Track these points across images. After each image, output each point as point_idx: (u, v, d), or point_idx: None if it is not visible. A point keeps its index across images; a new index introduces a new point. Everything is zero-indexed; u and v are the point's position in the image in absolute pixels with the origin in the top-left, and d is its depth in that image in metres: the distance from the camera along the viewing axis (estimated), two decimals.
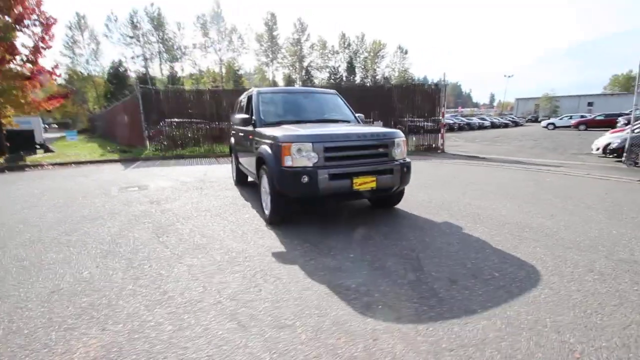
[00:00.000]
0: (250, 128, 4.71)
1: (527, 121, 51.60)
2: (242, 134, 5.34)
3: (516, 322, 1.96)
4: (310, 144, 3.48)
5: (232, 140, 6.51)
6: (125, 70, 47.12)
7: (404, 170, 3.87)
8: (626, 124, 21.49)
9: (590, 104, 58.08)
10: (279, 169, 3.56)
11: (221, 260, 2.91)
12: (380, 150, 3.81)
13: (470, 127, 32.89)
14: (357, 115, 5.12)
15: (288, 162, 3.51)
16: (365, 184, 3.60)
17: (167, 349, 1.77)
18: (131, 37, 48.83)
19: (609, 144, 12.17)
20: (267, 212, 4.02)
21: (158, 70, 52.22)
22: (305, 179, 3.42)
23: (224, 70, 52.99)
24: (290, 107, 4.96)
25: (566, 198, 5.08)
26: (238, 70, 53.50)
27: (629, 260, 2.78)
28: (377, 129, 4.09)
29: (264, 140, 4.07)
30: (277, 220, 3.88)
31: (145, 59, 50.54)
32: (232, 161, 6.81)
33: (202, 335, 1.88)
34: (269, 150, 3.77)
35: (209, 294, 2.33)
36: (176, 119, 14.03)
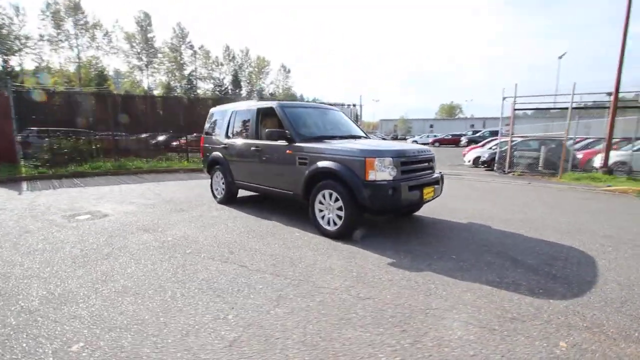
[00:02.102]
0: (282, 143, 4.50)
1: (391, 139, 61.70)
2: (257, 149, 4.95)
3: None
4: (391, 159, 3.70)
5: (217, 155, 5.86)
6: None
7: (443, 181, 4.51)
8: (468, 142, 29.00)
9: (431, 126, 74.30)
10: (362, 183, 3.63)
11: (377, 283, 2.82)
12: (430, 164, 4.35)
13: None
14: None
15: (372, 176, 3.63)
16: (429, 194, 4.05)
17: None
18: None
19: (479, 157, 16.16)
20: (329, 227, 3.97)
21: None
22: (391, 191, 3.62)
23: (82, 70, 43.96)
24: (315, 123, 4.96)
25: (507, 197, 6.73)
26: (103, 72, 45.38)
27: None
28: (420, 146, 4.63)
29: (322, 155, 4.02)
30: (348, 233, 3.88)
31: None
32: (215, 178, 6.09)
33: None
34: (345, 165, 3.77)
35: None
36: (64, 128, 11.25)
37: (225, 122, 5.78)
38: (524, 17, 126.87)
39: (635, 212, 5.69)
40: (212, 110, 6.51)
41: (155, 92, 52.82)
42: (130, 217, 4.98)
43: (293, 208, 5.63)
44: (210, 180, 6.31)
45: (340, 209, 3.85)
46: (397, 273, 2.97)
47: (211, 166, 6.14)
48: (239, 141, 5.41)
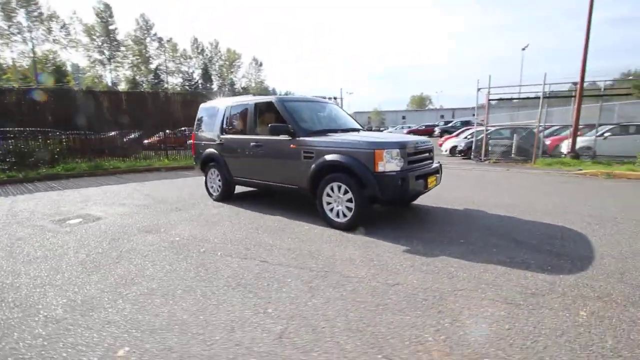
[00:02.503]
0: (285, 137, 4.49)
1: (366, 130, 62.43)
2: (257, 144, 4.90)
3: None
4: (398, 150, 3.81)
5: (212, 152, 5.74)
6: None
7: (442, 170, 4.70)
8: (442, 132, 30.04)
9: (404, 117, 76.04)
10: (372, 174, 3.72)
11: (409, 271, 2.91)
12: (430, 154, 4.52)
13: None
14: None
15: (381, 167, 3.73)
16: (432, 182, 4.22)
17: None
18: None
19: (456, 146, 16.81)
20: (339, 219, 4.04)
21: None
22: (400, 181, 3.74)
23: (38, 65, 40.81)
24: (315, 117, 4.98)
25: (491, 184, 7.11)
26: (62, 67, 42.42)
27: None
28: (420, 137, 4.78)
29: (329, 149, 4.07)
30: (358, 224, 3.96)
31: None
32: (210, 176, 5.96)
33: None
34: (354, 157, 3.84)
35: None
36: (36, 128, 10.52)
37: (220, 118, 5.66)
38: (489, 11, 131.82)
39: (609, 193, 6.20)
40: (202, 106, 6.34)
41: (120, 88, 50.17)
42: (127, 219, 4.81)
43: (293, 202, 5.65)
44: (204, 178, 6.17)
45: (349, 200, 3.93)
46: (415, 259, 3.10)
47: (205, 163, 6.00)
48: (236, 137, 5.33)
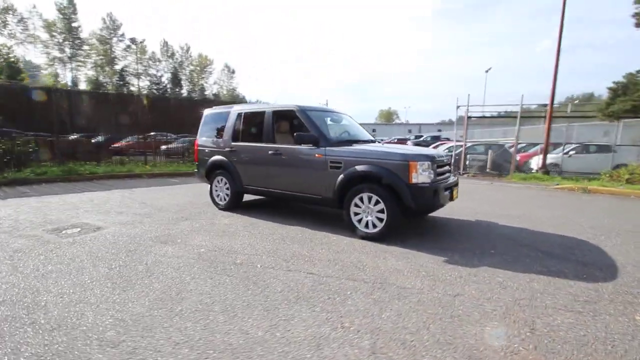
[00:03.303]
0: (308, 146, 4.44)
1: None
2: (277, 152, 4.78)
3: None
4: (429, 162, 3.90)
5: (221, 159, 5.52)
6: None
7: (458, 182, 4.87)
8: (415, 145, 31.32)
9: (374, 130, 78.27)
10: (406, 186, 3.76)
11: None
12: (450, 167, 4.66)
13: None
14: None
15: (414, 179, 3.78)
16: (456, 194, 4.35)
17: None
18: None
19: None
20: (368, 230, 4.02)
21: None
22: (433, 193, 3.82)
23: None
24: (335, 127, 4.98)
25: (484, 196, 7.48)
26: (16, 63, 39.06)
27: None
28: (439, 150, 4.90)
29: (360, 159, 4.07)
30: (388, 234, 3.96)
31: None
32: (217, 184, 5.71)
33: None
34: (387, 169, 3.86)
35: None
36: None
37: (230, 125, 5.48)
38: (455, 32, 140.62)
39: (594, 206, 6.72)
40: (207, 111, 6.12)
41: (81, 88, 47.03)
42: (132, 229, 4.46)
43: (305, 211, 5.56)
44: (209, 187, 5.90)
45: (380, 211, 3.93)
46: (460, 270, 3.15)
47: (211, 171, 5.76)
48: (251, 145, 5.18)
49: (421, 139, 36.29)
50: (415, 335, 2.09)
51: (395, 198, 3.84)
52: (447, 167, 4.52)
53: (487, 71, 40.73)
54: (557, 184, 9.42)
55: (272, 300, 2.52)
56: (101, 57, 50.01)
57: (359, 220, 4.12)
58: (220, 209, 5.68)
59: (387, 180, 3.83)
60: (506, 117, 14.58)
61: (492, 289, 2.75)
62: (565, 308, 2.45)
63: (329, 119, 5.04)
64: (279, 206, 6.05)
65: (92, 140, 13.49)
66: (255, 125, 5.25)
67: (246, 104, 5.61)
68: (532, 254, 3.61)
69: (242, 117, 5.39)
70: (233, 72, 73.08)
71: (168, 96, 44.24)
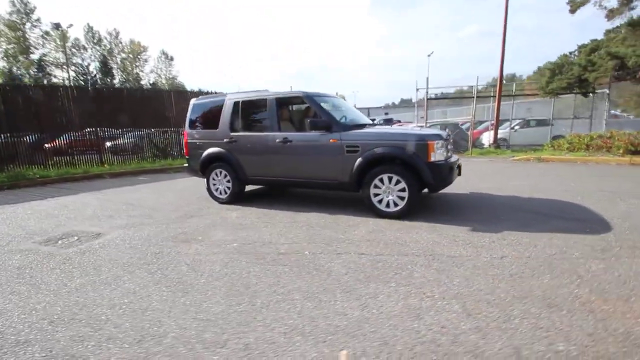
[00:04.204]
0: (320, 132, 4.45)
1: None
2: (286, 140, 4.69)
3: None
4: (442, 141, 4.16)
5: (219, 151, 5.27)
6: None
7: None
8: None
9: None
10: (425, 164, 3.97)
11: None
12: (451, 145, 4.99)
13: None
14: None
15: (432, 157, 4.01)
16: (460, 170, 4.69)
17: None
18: None
19: None
20: (389, 209, 4.19)
21: None
22: (448, 169, 4.10)
23: None
24: (341, 112, 5.00)
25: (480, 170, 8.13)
26: None
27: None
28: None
29: (377, 141, 4.19)
30: (409, 212, 4.17)
31: None
32: (215, 177, 5.44)
33: None
34: (407, 149, 4.03)
35: None
36: None
37: (227, 114, 5.23)
38: (399, 20, 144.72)
39: (553, 172, 7.63)
40: (194, 101, 5.74)
41: None
42: (138, 232, 4.13)
43: (309, 197, 5.59)
44: (206, 181, 5.61)
45: (402, 190, 4.12)
46: (488, 236, 3.47)
47: (207, 164, 5.47)
48: (255, 134, 5.02)
49: (375, 121, 37.77)
50: (493, 294, 2.32)
51: (415, 177, 4.05)
52: (450, 146, 4.84)
53: (429, 55, 42.93)
54: (514, 157, 10.51)
55: (345, 283, 2.58)
56: (12, 45, 43.15)
57: (380, 201, 4.28)
58: (221, 202, 5.46)
59: (409, 160, 4.02)
60: (461, 98, 15.78)
61: (526, 249, 3.10)
62: (592, 257, 2.86)
63: (334, 104, 5.05)
64: (278, 195, 5.98)
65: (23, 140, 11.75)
66: (256, 113, 5.09)
67: (240, 92, 5.37)
68: (536, 217, 4.08)
69: (241, 105, 5.17)
70: (171, 59, 67.90)
71: (112, 87, 39.76)
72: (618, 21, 11.83)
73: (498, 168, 8.75)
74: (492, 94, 15.45)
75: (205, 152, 5.43)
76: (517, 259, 2.88)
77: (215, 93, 5.76)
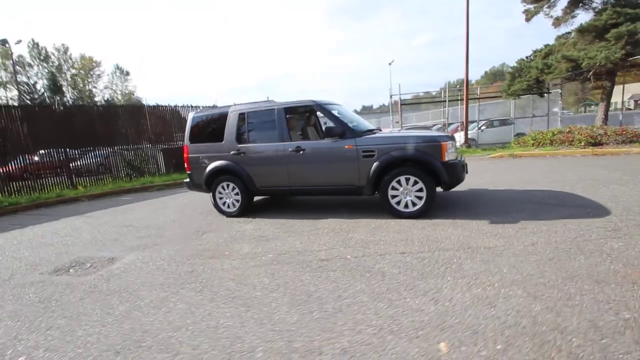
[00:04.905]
0: (333, 139, 4.53)
1: None
2: (298, 149, 4.70)
3: None
4: (452, 142, 4.40)
5: (226, 164, 5.16)
6: None
7: None
8: None
9: None
10: (441, 164, 4.18)
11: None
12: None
13: None
14: None
15: (447, 157, 4.23)
16: (466, 169, 4.97)
17: None
18: None
19: None
20: (408, 209, 4.34)
21: None
22: (461, 168, 4.34)
23: None
24: (347, 118, 5.11)
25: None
26: None
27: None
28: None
29: (393, 145, 4.34)
30: (427, 210, 4.34)
31: None
32: (223, 190, 5.30)
33: None
34: (423, 151, 4.21)
35: None
36: None
37: (233, 126, 5.15)
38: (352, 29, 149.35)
39: (531, 166, 8.23)
40: (194, 115, 5.59)
41: None
42: (156, 252, 3.94)
43: (314, 204, 5.61)
44: (211, 195, 5.44)
45: (419, 190, 4.29)
46: (511, 227, 3.70)
47: (213, 178, 5.33)
48: (264, 144, 4.98)
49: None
50: (544, 277, 2.50)
51: (431, 177, 4.24)
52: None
53: (390, 64, 44.75)
54: (489, 155, 11.25)
55: (404, 281, 2.65)
56: None
57: (397, 202, 4.41)
58: (229, 216, 5.33)
59: (426, 161, 4.20)
60: (430, 102, 16.68)
61: (550, 235, 3.36)
62: (609, 237, 3.17)
63: (341, 112, 5.15)
64: (280, 205, 5.94)
65: None
66: (264, 123, 5.05)
67: (242, 104, 5.31)
68: (540, 207, 4.42)
69: (246, 117, 5.12)
70: (127, 74, 64.88)
71: (46, 105, 37.09)
72: (563, 29, 13.22)
73: (480, 166, 9.31)
74: (459, 98, 16.43)
75: (211, 166, 5.29)
76: (547, 244, 3.12)
77: (215, 106, 5.63)
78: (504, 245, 3.20)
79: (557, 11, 12.92)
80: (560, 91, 13.57)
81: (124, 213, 6.61)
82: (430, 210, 4.38)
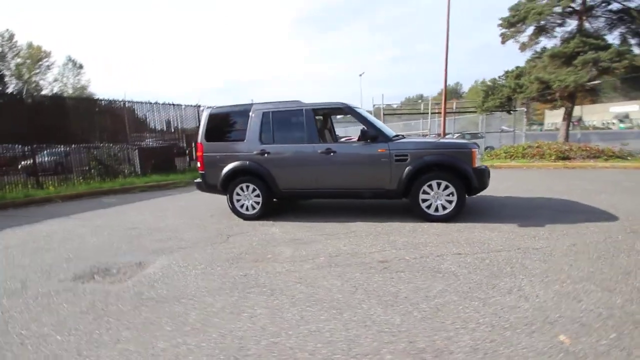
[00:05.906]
0: (364, 142, 4.58)
1: None
2: (329, 151, 4.66)
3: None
4: (478, 149, 4.63)
5: (247, 164, 4.96)
6: None
7: None
8: None
9: None
10: (472, 170, 4.37)
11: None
12: None
13: None
14: None
15: (476, 163, 4.44)
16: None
17: None
18: None
19: None
20: (438, 213, 4.46)
21: None
22: (488, 174, 4.57)
23: None
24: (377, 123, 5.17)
25: None
26: None
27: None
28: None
29: (427, 151, 4.47)
30: (458, 214, 4.49)
31: None
32: (241, 192, 5.06)
33: None
34: (455, 157, 4.38)
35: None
36: None
37: (257, 126, 4.98)
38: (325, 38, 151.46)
39: (516, 176, 8.80)
40: (210, 112, 5.32)
41: None
42: (188, 256, 3.67)
43: (336, 207, 5.58)
44: (227, 197, 5.17)
45: (450, 194, 4.44)
46: (542, 230, 3.95)
47: (231, 179, 5.08)
48: (293, 145, 4.87)
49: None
50: (604, 274, 2.70)
51: (462, 182, 4.42)
52: None
53: (360, 75, 46.09)
54: None
55: (479, 281, 2.71)
56: None
57: (428, 206, 4.53)
58: (247, 219, 5.10)
59: (458, 167, 4.37)
60: (410, 114, 17.51)
61: (581, 237, 3.63)
62: (631, 235, 3.53)
63: (368, 116, 5.20)
64: (294, 207, 5.82)
65: None
66: (290, 124, 4.95)
67: (267, 102, 5.15)
68: (553, 213, 4.77)
69: (272, 116, 4.97)
70: (80, 67, 60.08)
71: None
72: (529, 53, 14.59)
73: None
74: (437, 111, 17.34)
75: (229, 166, 5.05)
76: (586, 245, 3.38)
77: (237, 104, 5.41)
78: (549, 245, 3.41)
79: (524, 37, 14.23)
80: (525, 109, 14.84)
81: (117, 215, 6.07)
82: (460, 213, 4.56)
